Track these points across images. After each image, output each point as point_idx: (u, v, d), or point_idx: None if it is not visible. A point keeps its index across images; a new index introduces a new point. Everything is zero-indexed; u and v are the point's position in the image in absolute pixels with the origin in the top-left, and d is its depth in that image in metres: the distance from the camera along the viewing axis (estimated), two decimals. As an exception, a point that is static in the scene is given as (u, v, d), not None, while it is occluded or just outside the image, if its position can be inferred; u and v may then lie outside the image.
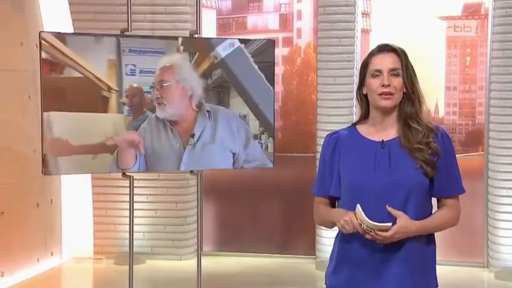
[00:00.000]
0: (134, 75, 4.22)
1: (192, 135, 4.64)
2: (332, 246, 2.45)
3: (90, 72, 4.07)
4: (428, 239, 2.35)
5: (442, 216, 2.35)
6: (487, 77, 5.87)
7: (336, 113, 5.70)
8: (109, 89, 4.16)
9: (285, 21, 6.70)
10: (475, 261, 5.96)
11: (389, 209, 2.23)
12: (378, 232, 2.19)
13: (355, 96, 2.51)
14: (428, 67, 6.27)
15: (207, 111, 4.71)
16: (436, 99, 6.29)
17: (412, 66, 2.34)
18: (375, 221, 2.18)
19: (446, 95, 6.34)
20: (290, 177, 6.37)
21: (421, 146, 2.28)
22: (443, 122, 6.24)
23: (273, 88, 4.91)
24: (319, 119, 5.95)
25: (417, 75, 2.36)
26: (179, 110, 4.63)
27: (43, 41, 4.13)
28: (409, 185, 2.27)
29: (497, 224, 5.68)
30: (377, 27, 6.28)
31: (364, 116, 2.41)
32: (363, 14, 6.12)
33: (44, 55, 4.15)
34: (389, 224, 2.19)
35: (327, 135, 2.48)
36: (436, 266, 2.39)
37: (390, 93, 2.29)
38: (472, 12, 6.39)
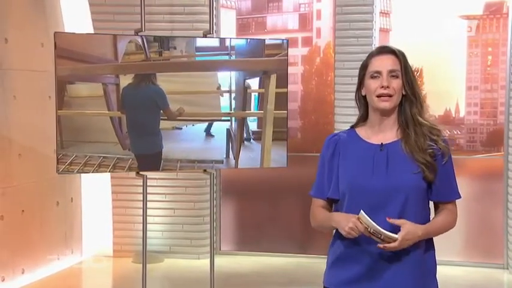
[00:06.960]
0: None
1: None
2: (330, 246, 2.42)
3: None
4: (427, 242, 2.32)
5: (443, 221, 2.34)
6: (507, 76, 5.80)
7: (353, 113, 5.55)
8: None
9: (305, 21, 6.70)
10: (494, 263, 5.88)
11: (391, 220, 2.20)
12: (386, 245, 2.16)
13: (354, 97, 2.44)
14: (449, 67, 6.22)
15: None
16: (456, 98, 6.23)
17: (411, 68, 2.32)
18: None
19: (467, 95, 6.28)
20: (309, 177, 6.34)
21: (422, 148, 2.26)
22: (464, 121, 6.18)
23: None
24: (337, 119, 5.93)
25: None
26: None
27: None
28: (407, 188, 2.25)
29: (517, 225, 5.61)
30: (397, 26, 6.25)
31: (363, 118, 2.39)
32: (382, 13, 6.09)
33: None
34: (397, 236, 2.16)
35: (327, 137, 2.47)
36: (437, 268, 2.37)
37: (389, 95, 2.28)
38: (493, 11, 6.32)
